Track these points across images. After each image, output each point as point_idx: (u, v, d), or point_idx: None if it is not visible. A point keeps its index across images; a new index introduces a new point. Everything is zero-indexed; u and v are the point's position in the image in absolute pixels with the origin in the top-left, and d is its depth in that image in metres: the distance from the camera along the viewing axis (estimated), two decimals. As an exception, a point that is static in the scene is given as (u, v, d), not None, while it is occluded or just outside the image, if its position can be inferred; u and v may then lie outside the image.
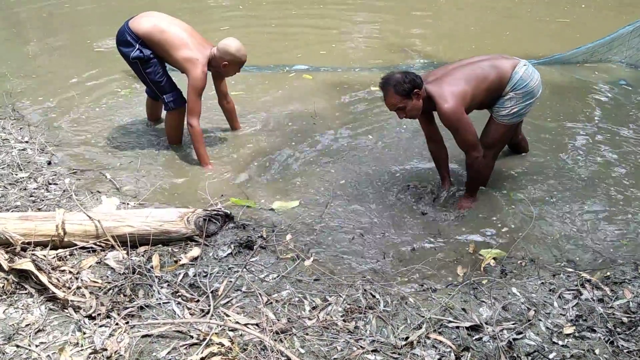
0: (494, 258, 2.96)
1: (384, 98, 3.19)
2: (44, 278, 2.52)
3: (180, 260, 2.83)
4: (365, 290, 2.65)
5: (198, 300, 2.54)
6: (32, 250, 2.73)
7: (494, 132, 3.40)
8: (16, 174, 3.64)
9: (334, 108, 4.88)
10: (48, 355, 2.18)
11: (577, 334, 2.39)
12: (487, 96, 3.25)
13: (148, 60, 3.83)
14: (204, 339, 2.25)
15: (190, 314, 2.45)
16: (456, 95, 3.10)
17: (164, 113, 4.32)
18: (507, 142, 3.66)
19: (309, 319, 2.45)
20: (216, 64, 3.89)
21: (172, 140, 4.21)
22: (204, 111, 4.39)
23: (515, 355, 2.27)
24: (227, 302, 2.53)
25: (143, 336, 2.28)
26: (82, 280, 2.63)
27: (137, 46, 3.80)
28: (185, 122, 3.96)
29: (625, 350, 2.30)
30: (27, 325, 2.34)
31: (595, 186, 3.67)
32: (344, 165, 3.98)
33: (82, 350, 2.21)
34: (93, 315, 2.40)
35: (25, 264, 2.55)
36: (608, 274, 2.81)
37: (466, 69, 3.21)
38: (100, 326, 2.35)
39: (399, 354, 2.25)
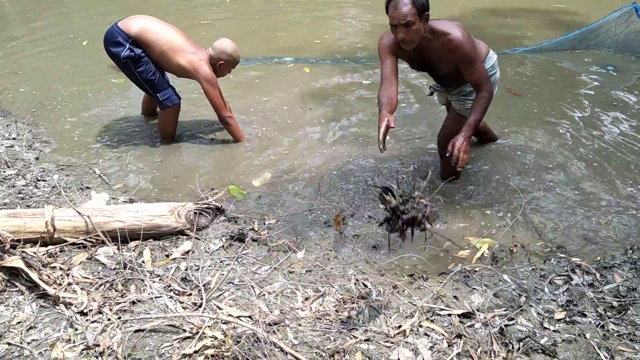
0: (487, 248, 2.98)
1: (395, 6, 2.83)
2: (34, 275, 2.50)
3: (171, 254, 2.82)
4: (357, 280, 2.66)
5: (190, 294, 2.54)
6: (22, 248, 2.71)
7: (458, 125, 3.22)
8: (4, 171, 3.61)
9: (326, 99, 4.87)
10: (40, 352, 2.17)
11: (568, 319, 2.41)
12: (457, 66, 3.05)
13: (139, 59, 3.82)
14: (197, 333, 2.25)
15: (183, 308, 2.45)
16: (462, 27, 2.95)
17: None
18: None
19: (302, 310, 2.45)
20: (212, 63, 3.95)
21: (166, 136, 4.19)
22: (191, 106, 4.39)
23: (507, 341, 2.28)
24: (220, 295, 2.53)
25: (135, 331, 2.27)
26: (73, 276, 2.61)
27: (128, 45, 3.78)
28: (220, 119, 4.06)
29: (615, 334, 2.32)
30: (18, 322, 2.33)
31: (583, 172, 3.69)
32: (334, 155, 3.98)
33: (74, 346, 2.20)
34: (85, 311, 2.39)
35: (15, 261, 2.53)
36: (598, 258, 2.84)
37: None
38: (92, 322, 2.34)
39: (391, 342, 2.26)
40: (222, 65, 3.98)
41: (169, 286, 2.58)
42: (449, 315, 2.42)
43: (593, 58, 5.64)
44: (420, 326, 2.36)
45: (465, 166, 3.28)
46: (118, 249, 2.79)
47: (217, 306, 2.45)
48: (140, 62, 3.82)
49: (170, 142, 4.17)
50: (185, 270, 2.70)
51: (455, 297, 2.55)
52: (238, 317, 2.37)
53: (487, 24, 6.86)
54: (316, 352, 2.20)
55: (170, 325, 2.31)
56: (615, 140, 4.08)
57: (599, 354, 2.20)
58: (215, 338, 2.21)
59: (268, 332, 2.26)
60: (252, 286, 2.58)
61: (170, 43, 3.84)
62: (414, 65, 3.25)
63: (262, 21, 7.22)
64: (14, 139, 4.12)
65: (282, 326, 2.33)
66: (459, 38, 2.91)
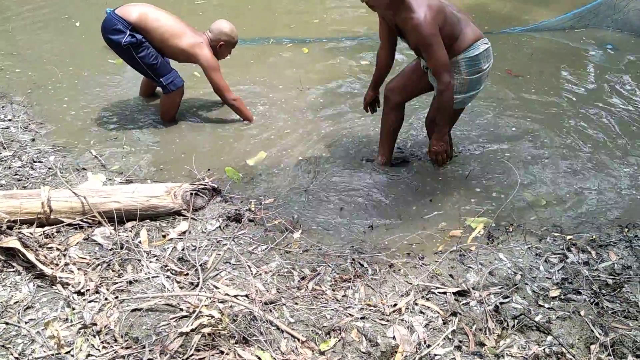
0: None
1: None
2: (31, 255, 2.50)
3: (168, 234, 2.82)
4: (353, 259, 2.67)
5: (187, 274, 2.55)
6: (19, 228, 2.71)
7: (437, 113, 3.24)
8: (0, 153, 3.60)
9: (324, 79, 4.84)
10: (38, 332, 2.18)
11: (562, 297, 2.42)
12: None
13: (140, 44, 3.79)
14: (194, 312, 2.26)
15: (180, 287, 2.46)
16: (434, 9, 2.81)
17: (158, 89, 4.34)
18: (456, 120, 3.41)
19: (298, 289, 2.47)
20: (213, 45, 3.97)
21: (166, 118, 4.17)
22: (189, 88, 4.36)
23: (502, 318, 2.30)
24: (216, 275, 2.54)
25: (132, 310, 2.28)
26: (69, 256, 2.62)
27: (128, 32, 3.75)
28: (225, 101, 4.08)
29: (610, 311, 2.34)
30: (15, 302, 2.34)
31: (580, 152, 3.69)
32: (331, 135, 3.97)
33: (71, 325, 2.22)
34: (82, 291, 2.40)
35: (11, 242, 2.53)
36: (594, 237, 2.85)
37: (447, 7, 2.93)
38: (90, 301, 2.35)
39: (387, 320, 2.28)
40: (222, 46, 3.99)
41: (166, 266, 2.59)
42: (445, 293, 2.44)
43: (592, 37, 5.61)
44: (416, 304, 2.37)
45: (447, 164, 3.32)
46: (115, 229, 2.79)
47: (214, 285, 2.46)
48: (142, 47, 3.80)
49: (168, 124, 4.15)
50: (182, 250, 2.70)
51: (450, 275, 2.57)
52: (235, 296, 2.38)
53: (490, 1, 6.80)
54: (312, 330, 2.22)
55: (167, 305, 2.33)
56: (612, 120, 4.07)
57: (593, 331, 2.22)
58: (212, 317, 2.23)
59: (264, 310, 2.28)
60: (248, 266, 2.59)
61: (171, 29, 3.84)
62: (395, 29, 3.10)
63: (259, 1, 7.14)
64: (10, 120, 4.10)
65: (279, 305, 2.35)
66: (417, 19, 2.78)
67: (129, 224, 2.87)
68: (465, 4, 6.65)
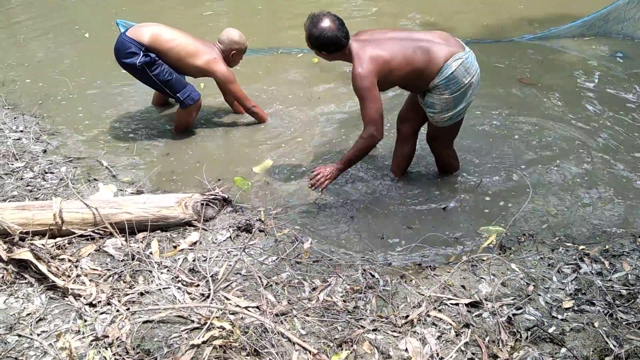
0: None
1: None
2: (43, 267, 2.52)
3: (179, 245, 2.83)
4: (364, 270, 2.66)
5: (198, 285, 2.55)
6: (31, 240, 2.73)
7: (432, 130, 3.33)
8: (12, 164, 3.62)
9: (333, 88, 4.85)
10: (50, 344, 2.19)
11: (576, 308, 2.40)
12: (409, 81, 3.07)
13: (154, 62, 3.84)
14: (205, 323, 2.25)
15: (191, 299, 2.46)
16: (375, 61, 2.92)
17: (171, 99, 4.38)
18: (455, 133, 3.38)
19: (309, 300, 2.46)
20: (225, 56, 4.02)
21: (181, 130, 4.20)
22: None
23: (515, 330, 2.28)
24: (227, 286, 2.53)
25: (144, 322, 2.28)
26: (81, 268, 2.63)
27: (142, 53, 3.79)
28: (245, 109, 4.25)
29: (624, 322, 2.31)
30: (28, 314, 2.35)
31: (591, 161, 3.66)
32: (340, 145, 3.96)
33: (83, 337, 2.22)
34: (93, 302, 2.41)
35: (24, 253, 2.55)
36: (607, 247, 2.82)
37: (399, 44, 2.99)
38: (101, 313, 2.35)
39: (399, 332, 2.26)
40: (234, 54, 4.03)
41: (177, 277, 2.59)
42: (457, 304, 2.42)
43: (602, 45, 5.58)
44: (428, 316, 2.36)
45: (321, 191, 3.27)
46: (126, 240, 2.80)
47: (225, 297, 2.46)
48: (155, 65, 3.84)
49: (179, 135, 4.17)
50: (193, 261, 2.71)
51: (462, 286, 2.55)
52: (246, 307, 2.37)
53: (500, 9, 6.77)
54: (324, 342, 2.21)
55: (179, 316, 2.33)
56: (624, 129, 4.04)
57: (607, 343, 2.20)
58: (223, 329, 2.22)
59: (276, 322, 2.27)
60: (259, 277, 2.58)
61: (186, 48, 3.89)
62: None
63: (267, 10, 7.18)
64: (22, 131, 4.14)
65: (290, 316, 2.34)
66: (353, 73, 2.95)
67: (140, 235, 2.88)
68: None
